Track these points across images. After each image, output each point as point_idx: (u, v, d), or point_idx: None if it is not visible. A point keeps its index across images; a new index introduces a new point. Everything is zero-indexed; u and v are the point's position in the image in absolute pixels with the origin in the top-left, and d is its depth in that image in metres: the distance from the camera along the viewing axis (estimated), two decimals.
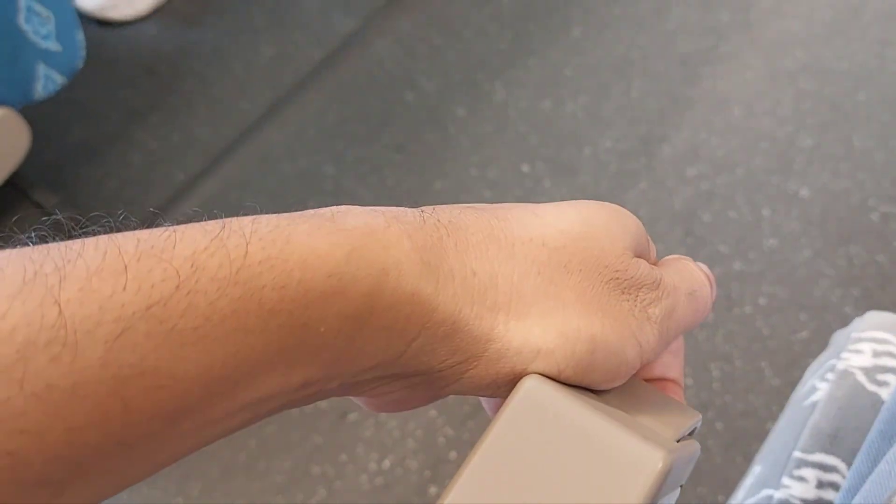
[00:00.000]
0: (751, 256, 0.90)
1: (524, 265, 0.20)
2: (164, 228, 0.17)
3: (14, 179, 0.92)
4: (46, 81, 0.80)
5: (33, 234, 0.17)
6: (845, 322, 0.88)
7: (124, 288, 0.15)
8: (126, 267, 0.15)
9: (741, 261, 0.90)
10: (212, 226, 0.17)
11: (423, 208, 0.20)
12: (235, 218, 0.17)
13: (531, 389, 0.19)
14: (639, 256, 0.22)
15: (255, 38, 1.12)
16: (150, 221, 0.18)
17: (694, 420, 0.23)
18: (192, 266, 0.16)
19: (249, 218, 0.17)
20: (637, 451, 0.18)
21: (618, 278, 0.21)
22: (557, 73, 1.06)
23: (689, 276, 0.23)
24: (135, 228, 0.17)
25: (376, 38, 1.11)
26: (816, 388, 0.40)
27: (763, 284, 0.88)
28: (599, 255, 0.21)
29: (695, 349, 0.84)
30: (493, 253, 0.20)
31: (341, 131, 1.04)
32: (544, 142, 1.01)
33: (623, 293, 0.21)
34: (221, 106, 1.07)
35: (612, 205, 0.22)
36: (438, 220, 0.20)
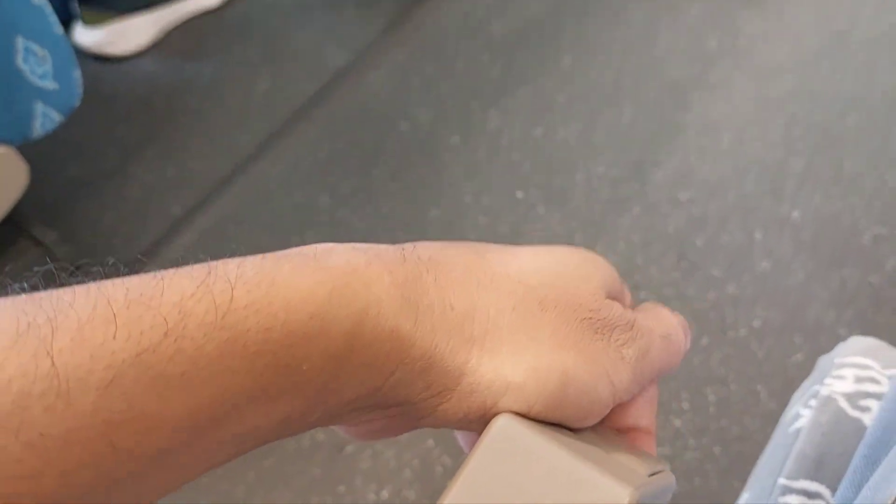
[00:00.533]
0: (744, 280, 0.90)
1: (501, 300, 0.20)
2: (151, 275, 0.17)
3: (12, 216, 0.92)
4: (44, 119, 0.81)
5: (26, 284, 0.17)
6: None
7: (114, 336, 0.16)
8: (115, 315, 0.16)
9: (735, 284, 0.90)
10: (198, 271, 0.17)
11: (404, 245, 0.21)
12: (221, 262, 0.18)
13: (503, 428, 0.19)
14: (612, 299, 0.22)
15: (249, 73, 1.14)
16: (138, 267, 0.19)
17: (661, 468, 0.23)
18: (179, 313, 0.16)
19: (235, 261, 0.18)
20: (604, 488, 0.18)
21: (591, 318, 0.21)
22: (549, 100, 1.08)
23: (664, 321, 0.24)
24: (122, 275, 0.18)
25: (369, 70, 1.13)
26: (800, 414, 0.40)
27: (757, 307, 0.88)
28: (574, 294, 0.21)
29: (690, 373, 0.84)
30: (472, 287, 0.20)
31: (336, 162, 1.05)
32: (537, 168, 1.02)
33: (597, 333, 0.21)
34: (217, 140, 1.08)
35: (585, 250, 0.23)
36: (419, 257, 0.20)
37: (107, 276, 0.18)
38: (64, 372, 0.15)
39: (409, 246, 0.21)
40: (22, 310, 0.16)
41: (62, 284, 0.17)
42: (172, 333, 0.16)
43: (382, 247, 0.20)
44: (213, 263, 0.18)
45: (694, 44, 1.11)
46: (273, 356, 0.17)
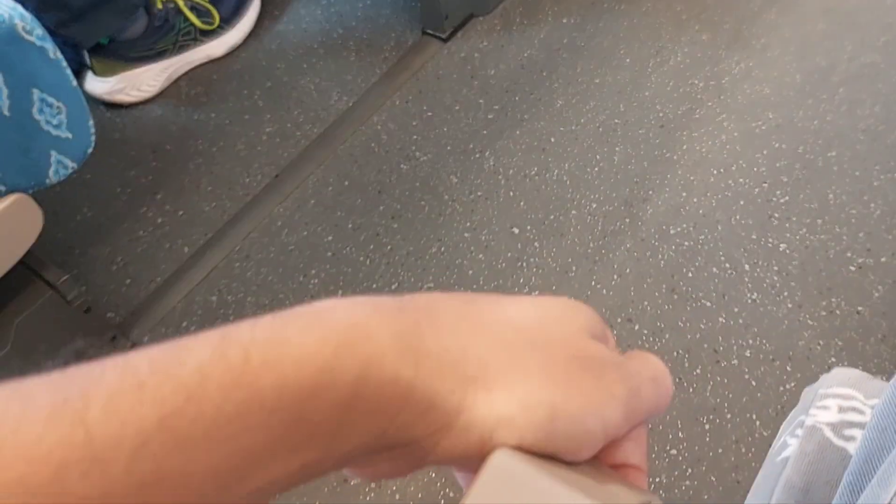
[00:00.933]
0: (735, 310, 0.93)
1: (492, 341, 0.22)
2: (172, 344, 0.19)
3: (25, 259, 0.95)
4: (58, 167, 0.84)
5: (60, 361, 0.20)
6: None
7: (141, 403, 0.17)
8: (141, 385, 0.17)
9: (726, 314, 0.93)
10: (214, 338, 0.19)
11: (402, 297, 0.23)
12: (234, 326, 0.20)
13: (499, 461, 0.21)
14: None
15: (255, 118, 1.18)
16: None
17: (652, 499, 0.24)
18: (199, 377, 0.18)
19: (247, 324, 0.20)
20: None
21: (580, 356, 0.23)
22: (543, 141, 1.12)
23: (652, 364, 0.25)
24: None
25: (371, 113, 1.17)
26: (788, 443, 0.42)
27: (748, 337, 0.91)
28: (561, 335, 0.23)
29: (685, 403, 0.87)
30: (464, 331, 0.22)
31: (340, 202, 1.08)
32: (533, 206, 1.05)
33: (587, 370, 0.22)
34: (225, 182, 1.12)
35: (567, 298, 0.25)
36: (416, 307, 0.22)
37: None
38: (99, 440, 0.16)
39: (407, 297, 0.23)
40: (57, 386, 0.17)
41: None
42: (194, 397, 0.18)
43: (381, 299, 0.22)
44: (227, 329, 0.20)
45: (681, 85, 1.15)
46: (287, 411, 0.18)
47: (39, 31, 0.76)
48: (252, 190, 1.10)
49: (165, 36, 1.18)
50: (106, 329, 0.94)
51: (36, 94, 0.82)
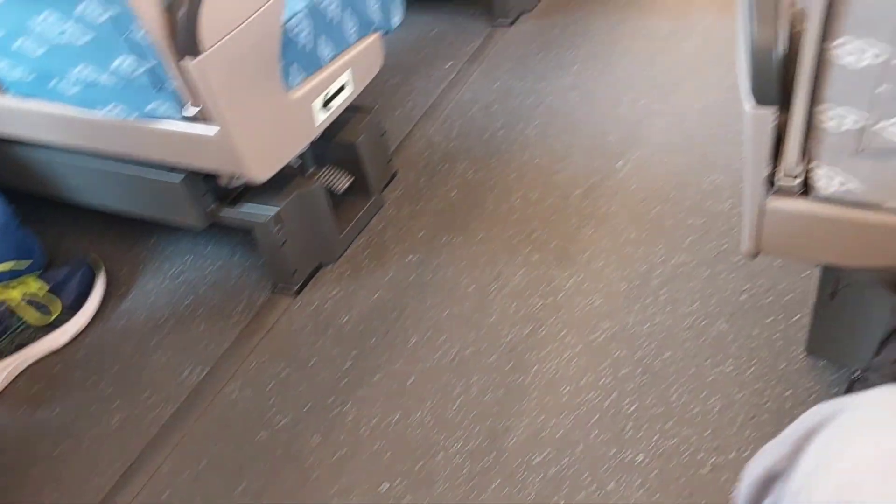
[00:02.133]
0: None
1: None
2: None
3: None
4: None
5: None
6: None
7: None
8: None
9: None
10: None
11: None
12: None
13: None
14: None
15: (103, 407, 1.14)
16: None
17: None
18: None
19: None
20: None
21: None
22: (402, 383, 1.14)
23: None
24: None
25: (225, 382, 1.16)
26: None
27: None
28: None
29: None
30: None
31: (196, 488, 1.04)
32: (399, 456, 1.05)
33: None
34: (70, 488, 1.05)
35: None
36: None
37: None
38: None
39: None
40: None
41: None
42: None
43: None
44: None
45: (522, 306, 1.23)
46: None
47: None
48: (101, 491, 1.03)
49: None
50: None
51: None
